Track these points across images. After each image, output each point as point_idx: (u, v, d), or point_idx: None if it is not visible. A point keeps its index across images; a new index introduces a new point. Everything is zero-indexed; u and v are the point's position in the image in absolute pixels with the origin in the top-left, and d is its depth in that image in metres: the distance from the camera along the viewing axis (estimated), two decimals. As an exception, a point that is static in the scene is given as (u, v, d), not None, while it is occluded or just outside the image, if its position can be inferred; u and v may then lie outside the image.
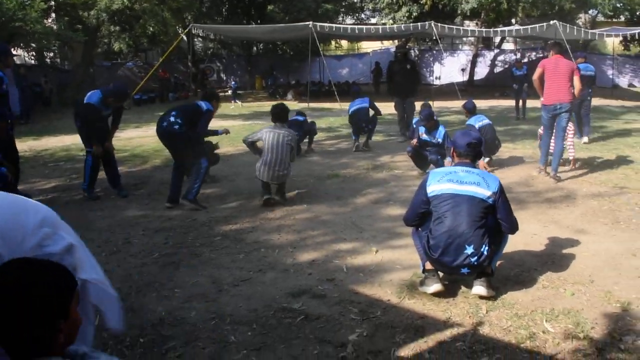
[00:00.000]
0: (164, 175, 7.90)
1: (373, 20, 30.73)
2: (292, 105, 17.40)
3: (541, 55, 26.63)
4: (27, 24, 15.63)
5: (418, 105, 9.94)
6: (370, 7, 28.67)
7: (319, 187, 7.17)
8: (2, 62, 6.87)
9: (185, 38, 22.91)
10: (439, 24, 18.74)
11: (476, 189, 3.60)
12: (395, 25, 21.50)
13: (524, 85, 14.00)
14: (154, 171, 8.53)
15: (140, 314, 3.58)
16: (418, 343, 3.09)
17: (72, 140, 11.15)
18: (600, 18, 29.80)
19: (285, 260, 4.49)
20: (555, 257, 4.43)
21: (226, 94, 23.76)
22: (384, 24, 24.73)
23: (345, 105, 16.22)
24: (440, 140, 7.51)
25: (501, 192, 3.65)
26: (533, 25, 18.95)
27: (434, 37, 19.96)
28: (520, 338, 3.12)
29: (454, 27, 21.14)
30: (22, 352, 1.42)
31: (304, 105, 17.80)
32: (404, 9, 24.57)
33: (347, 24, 27.74)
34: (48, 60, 25.53)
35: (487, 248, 3.55)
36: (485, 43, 30.73)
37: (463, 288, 3.81)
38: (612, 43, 28.37)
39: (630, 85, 26.73)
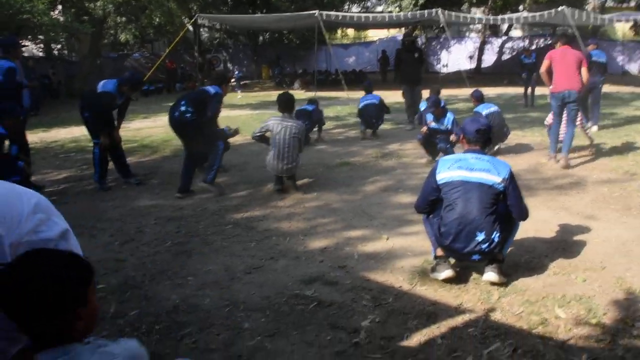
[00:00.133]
0: (174, 165, 7.95)
1: (379, 9, 30.56)
2: (300, 94, 17.40)
3: (550, 42, 26.43)
4: (34, 16, 15.69)
5: (425, 93, 10.02)
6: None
7: (329, 175, 7.19)
8: (12, 53, 6.95)
9: (191, 28, 22.88)
10: (446, 11, 18.57)
11: (486, 175, 3.61)
12: (401, 13, 21.37)
13: (533, 74, 13.89)
14: (163, 161, 8.58)
15: (155, 301, 3.62)
16: (430, 329, 3.11)
17: (81, 132, 11.19)
18: (610, 3, 29.48)
19: (297, 247, 4.52)
20: (566, 244, 4.44)
21: (231, 83, 23.73)
22: (390, 11, 24.56)
23: (353, 94, 16.25)
24: (449, 126, 7.49)
25: (511, 178, 3.65)
26: (541, 12, 18.75)
27: (441, 25, 19.83)
28: (532, 324, 3.13)
29: (461, 14, 20.99)
30: (44, 339, 1.46)
31: (311, 94, 17.77)
32: (411, -4, 24.40)
33: (353, 12, 27.61)
34: (55, 52, 25.58)
35: (498, 235, 3.56)
36: (493, 30, 30.52)
37: (474, 274, 3.82)
38: (622, 28, 28.08)
39: (641, 71, 26.49)
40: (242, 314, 3.38)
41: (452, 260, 3.81)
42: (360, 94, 10.90)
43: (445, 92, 10.74)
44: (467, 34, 33.65)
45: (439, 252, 3.77)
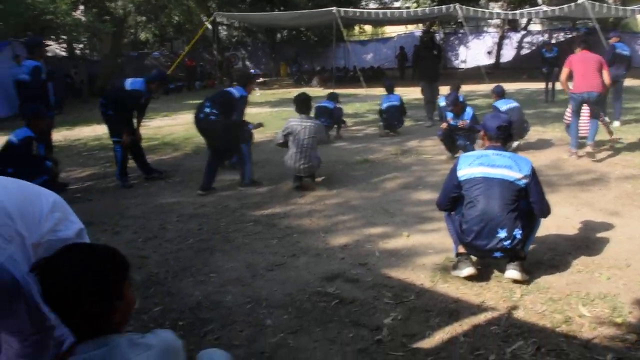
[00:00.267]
0: (195, 163, 8.03)
1: (397, 4, 30.38)
2: (318, 91, 17.42)
3: (570, 35, 26.05)
4: (57, 17, 15.97)
5: (443, 89, 10.05)
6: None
7: (348, 172, 7.20)
8: (36, 53, 7.08)
9: (210, 26, 23.02)
10: (464, 6, 18.44)
11: (508, 172, 3.59)
12: (419, 9, 21.24)
13: (554, 68, 13.72)
14: (184, 159, 8.67)
15: (178, 298, 3.67)
16: (452, 327, 3.11)
17: (104, 130, 11.34)
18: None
19: (318, 245, 4.54)
20: (589, 241, 4.39)
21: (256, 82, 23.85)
22: (408, 7, 24.42)
23: (371, 91, 16.24)
24: (467, 121, 7.45)
25: (533, 174, 3.62)
26: (561, 6, 18.50)
27: (459, 20, 19.68)
28: (555, 322, 3.11)
29: (479, 9, 20.81)
30: (84, 330, 1.52)
31: (330, 91, 17.78)
32: (428, -8, 24.23)
33: (370, 9, 27.52)
34: (78, 52, 25.93)
35: (519, 232, 3.54)
36: (512, 25, 30.18)
37: (496, 272, 3.81)
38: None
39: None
40: (264, 311, 3.41)
41: (474, 258, 3.80)
42: (378, 90, 10.90)
43: (464, 88, 10.67)
44: (485, 28, 33.34)
45: (461, 249, 3.76)
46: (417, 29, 31.99)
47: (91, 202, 6.24)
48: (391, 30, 35.37)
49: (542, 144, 8.53)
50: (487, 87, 14.36)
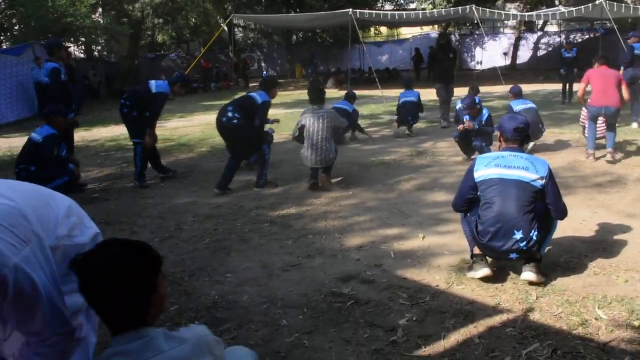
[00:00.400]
0: (211, 164, 8.10)
1: (412, 6, 30.32)
2: (333, 93, 17.43)
3: (587, 37, 25.79)
4: (77, 19, 16.18)
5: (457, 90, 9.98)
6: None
7: (364, 173, 7.21)
8: (56, 55, 7.17)
9: (226, 28, 23.16)
10: (480, 8, 18.32)
11: (524, 173, 3.57)
12: (435, 10, 21.16)
13: (573, 70, 13.59)
14: (200, 159, 8.73)
15: (194, 297, 3.71)
16: (468, 328, 3.11)
17: (121, 131, 11.49)
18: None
19: (333, 246, 4.56)
20: (606, 243, 4.36)
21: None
22: (424, 9, 24.37)
23: (387, 92, 16.21)
24: (473, 123, 7.40)
25: (550, 176, 3.61)
26: (578, 7, 18.31)
27: (475, 21, 19.57)
28: (572, 324, 3.09)
29: (495, 10, 20.67)
30: (120, 322, 1.58)
31: (344, 92, 17.78)
32: (444, -7, 24.15)
33: (386, 10, 27.48)
34: (96, 54, 26.25)
35: (536, 233, 3.53)
36: (528, 26, 29.91)
37: (512, 274, 3.80)
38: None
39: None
40: (280, 311, 3.43)
41: (489, 259, 3.79)
42: (393, 92, 10.91)
43: (479, 89, 10.61)
44: (501, 29, 33.11)
45: (476, 250, 3.75)
46: (432, 31, 31.87)
47: (108, 202, 6.32)
48: (406, 32, 35.27)
49: (559, 146, 8.46)
50: (503, 89, 14.28)
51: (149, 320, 1.60)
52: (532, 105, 7.96)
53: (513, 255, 3.59)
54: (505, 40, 29.90)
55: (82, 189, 6.69)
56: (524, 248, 3.52)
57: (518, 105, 7.80)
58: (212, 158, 8.67)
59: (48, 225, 1.80)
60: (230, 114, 6.29)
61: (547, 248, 3.90)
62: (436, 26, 29.27)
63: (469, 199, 3.79)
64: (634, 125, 9.75)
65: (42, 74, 7.11)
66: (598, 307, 3.27)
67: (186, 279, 4.03)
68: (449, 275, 3.85)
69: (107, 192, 6.82)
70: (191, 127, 12.66)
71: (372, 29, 33.56)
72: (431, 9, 22.49)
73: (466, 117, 7.54)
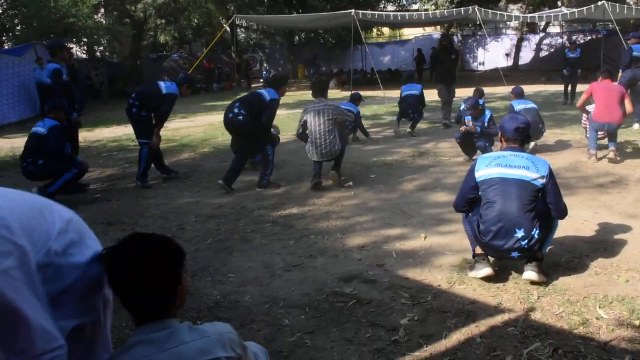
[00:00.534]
0: (213, 164, 8.12)
1: (415, 7, 30.32)
2: (336, 93, 17.45)
3: (589, 38, 25.76)
4: (79, 20, 16.23)
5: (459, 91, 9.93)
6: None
7: (365, 174, 7.22)
8: (58, 56, 7.19)
9: (228, 29, 23.20)
10: (482, 9, 18.33)
11: (525, 172, 3.59)
12: (437, 11, 21.18)
13: (577, 70, 13.58)
14: (202, 160, 8.75)
15: (197, 297, 3.72)
16: (469, 328, 3.12)
17: (123, 131, 11.56)
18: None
19: (335, 246, 4.57)
20: (607, 243, 4.36)
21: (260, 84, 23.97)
22: (426, 9, 24.38)
23: (389, 93, 16.20)
24: (485, 124, 7.44)
25: (550, 175, 3.62)
26: (580, 8, 18.30)
27: (477, 22, 19.58)
28: (573, 324, 3.10)
29: (498, 12, 20.67)
30: (146, 313, 1.62)
31: (347, 94, 17.80)
32: (446, -6, 24.16)
33: (388, 11, 27.49)
34: (98, 54, 26.31)
35: (537, 232, 3.54)
36: (530, 27, 29.89)
37: (513, 274, 3.80)
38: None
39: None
40: (282, 311, 3.44)
41: (491, 259, 3.80)
42: (395, 93, 10.92)
43: (484, 92, 10.63)
44: (504, 30, 33.10)
45: (478, 250, 3.76)
46: (434, 31, 31.88)
47: (110, 203, 6.34)
48: (409, 33, 35.27)
49: (561, 146, 8.47)
50: (505, 90, 14.29)
51: (172, 311, 1.65)
52: (533, 105, 7.98)
53: (515, 254, 3.60)
54: (507, 41, 29.88)
55: (84, 190, 6.72)
56: (526, 246, 3.53)
57: (519, 105, 7.83)
58: (215, 158, 8.70)
59: (39, 238, 1.62)
60: (236, 110, 6.31)
61: (549, 247, 3.92)
62: (439, 27, 29.26)
63: (470, 199, 3.80)
64: (636, 126, 9.76)
65: (44, 75, 7.13)
66: (599, 307, 3.28)
67: (188, 279, 4.03)
68: (451, 275, 3.86)
69: (109, 193, 6.84)
70: (193, 127, 12.69)
71: (375, 30, 33.58)
72: (434, 10, 22.50)
73: (468, 118, 7.56)
